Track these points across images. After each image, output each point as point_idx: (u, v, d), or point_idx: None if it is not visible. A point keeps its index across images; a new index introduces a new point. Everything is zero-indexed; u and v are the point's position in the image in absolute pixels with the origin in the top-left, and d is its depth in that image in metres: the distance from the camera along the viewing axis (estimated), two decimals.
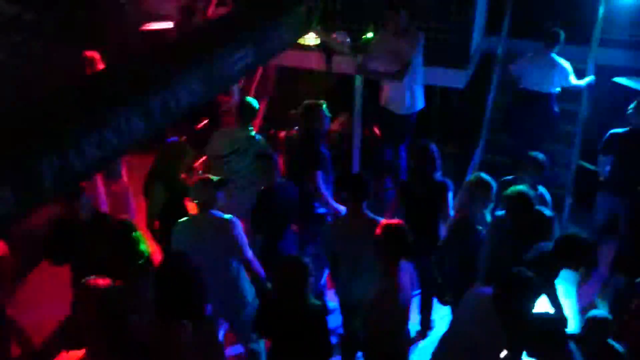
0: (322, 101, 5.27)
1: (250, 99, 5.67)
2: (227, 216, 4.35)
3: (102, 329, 3.20)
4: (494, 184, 4.63)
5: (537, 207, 4.56)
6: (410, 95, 6.07)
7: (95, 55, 6.25)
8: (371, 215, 4.41)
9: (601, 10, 7.03)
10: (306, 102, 5.27)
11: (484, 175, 4.71)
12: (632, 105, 5.60)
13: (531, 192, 4.49)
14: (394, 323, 3.93)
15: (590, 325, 3.86)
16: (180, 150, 5.10)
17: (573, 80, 6.59)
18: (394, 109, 6.20)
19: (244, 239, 4.35)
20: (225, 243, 4.30)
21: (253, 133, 5.66)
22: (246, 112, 5.57)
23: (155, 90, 3.61)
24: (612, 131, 5.79)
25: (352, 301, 4.36)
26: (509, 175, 5.26)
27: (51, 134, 3.02)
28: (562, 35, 6.46)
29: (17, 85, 5.94)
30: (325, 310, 3.92)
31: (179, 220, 4.47)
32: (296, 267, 3.65)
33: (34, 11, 5.58)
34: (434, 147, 5.07)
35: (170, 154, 5.06)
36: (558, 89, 6.65)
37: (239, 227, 4.34)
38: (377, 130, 7.05)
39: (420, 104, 6.25)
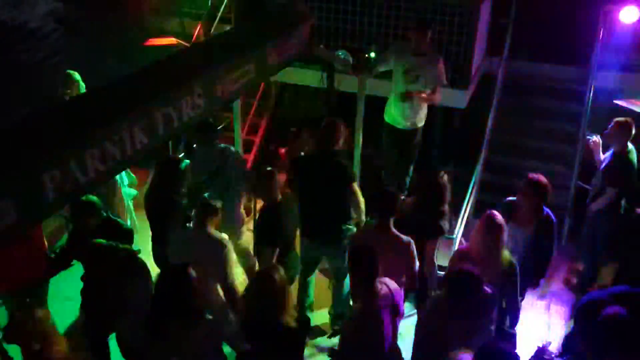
0: (340, 119, 5.24)
1: (206, 119, 5.50)
2: (222, 235, 4.46)
3: None
4: (505, 225, 4.32)
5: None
6: (415, 112, 6.11)
7: (76, 75, 6.32)
8: (396, 232, 4.44)
9: (601, 32, 7.10)
10: (327, 119, 5.19)
11: (496, 214, 4.34)
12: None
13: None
14: (370, 343, 3.87)
15: None
16: (175, 168, 5.08)
17: None
18: (398, 124, 6.25)
19: (230, 262, 4.41)
20: (215, 264, 4.36)
21: (222, 146, 5.67)
22: (209, 132, 5.51)
23: (159, 104, 3.64)
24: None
25: None
26: (509, 195, 5.12)
27: (54, 147, 3.03)
28: None
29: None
30: (305, 327, 3.86)
31: (180, 231, 4.61)
32: (271, 284, 3.56)
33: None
34: (444, 177, 5.03)
35: (165, 172, 5.06)
36: None
37: (231, 249, 4.42)
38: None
39: (422, 121, 6.29)
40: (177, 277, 3.51)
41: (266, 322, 3.56)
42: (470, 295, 3.73)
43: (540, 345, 3.75)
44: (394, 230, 4.45)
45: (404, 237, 4.45)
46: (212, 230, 4.49)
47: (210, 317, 3.64)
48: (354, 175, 5.17)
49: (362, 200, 5.09)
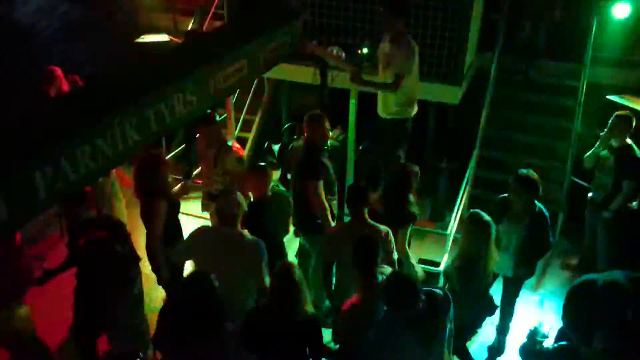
0: (323, 113, 5.26)
1: None
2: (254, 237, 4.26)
3: None
4: (492, 222, 4.36)
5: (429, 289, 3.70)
6: (392, 101, 6.09)
7: (58, 71, 6.26)
8: (373, 222, 4.46)
9: (593, 28, 7.11)
10: (310, 113, 5.21)
11: (480, 212, 4.39)
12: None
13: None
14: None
15: None
16: (153, 163, 4.79)
17: None
18: (381, 113, 6.23)
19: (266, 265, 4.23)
20: (249, 264, 4.18)
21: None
22: None
23: (150, 101, 3.61)
24: None
25: None
26: (503, 192, 5.11)
27: (45, 145, 3.00)
28: None
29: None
30: (318, 319, 3.88)
31: (202, 227, 4.47)
32: (290, 277, 3.60)
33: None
34: (414, 168, 5.07)
35: (143, 168, 4.78)
36: None
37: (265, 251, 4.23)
38: None
39: (413, 110, 6.25)
40: (201, 285, 3.36)
41: (293, 313, 3.59)
42: (410, 305, 3.43)
43: (532, 328, 3.69)
44: (369, 220, 4.47)
45: (382, 227, 4.46)
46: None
47: (232, 325, 3.50)
48: (316, 174, 5.02)
49: (318, 202, 4.98)
